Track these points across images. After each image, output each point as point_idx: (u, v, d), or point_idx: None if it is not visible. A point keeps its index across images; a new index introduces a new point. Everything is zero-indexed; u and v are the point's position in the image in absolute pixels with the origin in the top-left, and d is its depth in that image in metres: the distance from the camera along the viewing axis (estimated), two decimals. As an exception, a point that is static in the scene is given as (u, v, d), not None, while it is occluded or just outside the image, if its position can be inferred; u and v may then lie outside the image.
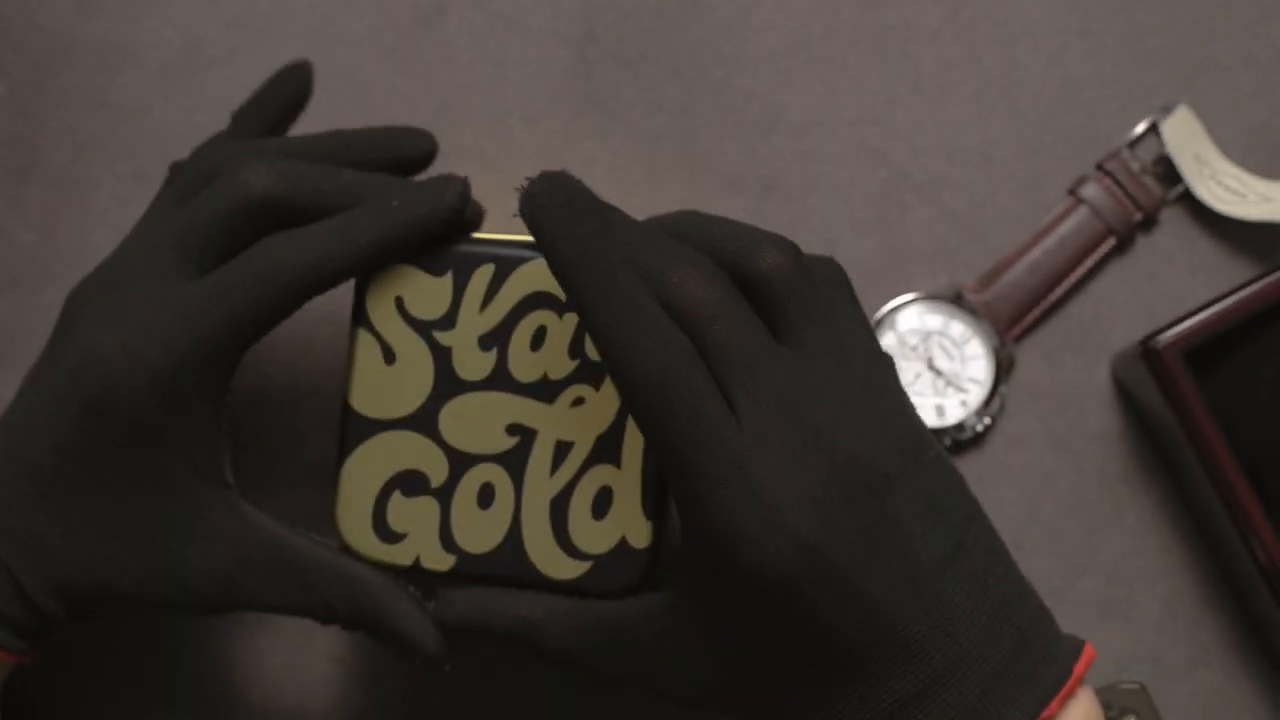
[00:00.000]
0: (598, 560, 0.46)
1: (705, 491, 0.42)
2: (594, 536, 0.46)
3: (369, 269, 0.47)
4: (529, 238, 0.48)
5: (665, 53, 0.60)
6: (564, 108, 0.60)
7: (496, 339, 0.47)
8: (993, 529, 0.46)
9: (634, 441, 0.46)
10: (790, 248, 0.45)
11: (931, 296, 0.58)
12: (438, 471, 0.47)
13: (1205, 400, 0.54)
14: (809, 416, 0.43)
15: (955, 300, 0.58)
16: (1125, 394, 0.58)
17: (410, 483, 0.47)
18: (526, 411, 0.47)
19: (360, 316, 0.48)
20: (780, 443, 0.42)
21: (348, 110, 0.60)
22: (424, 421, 0.47)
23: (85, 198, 0.59)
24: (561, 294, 0.47)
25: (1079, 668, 0.44)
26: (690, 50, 0.60)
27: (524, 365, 0.47)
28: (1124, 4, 0.60)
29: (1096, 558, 0.57)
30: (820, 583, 0.42)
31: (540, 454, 0.47)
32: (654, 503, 0.46)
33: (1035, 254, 0.58)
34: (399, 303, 0.48)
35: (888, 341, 0.58)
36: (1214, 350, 0.56)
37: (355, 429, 0.48)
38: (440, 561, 0.47)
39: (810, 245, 0.59)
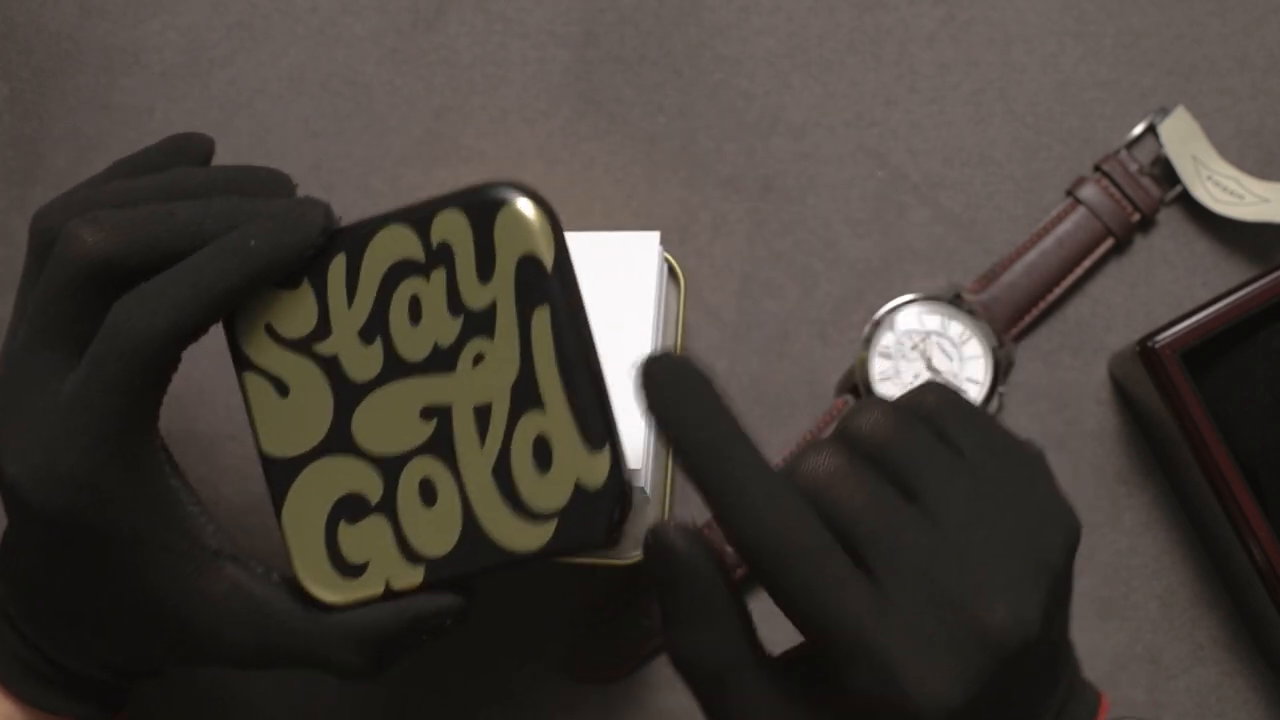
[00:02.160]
0: (561, 516, 0.42)
1: (844, 656, 0.40)
2: (548, 492, 0.43)
3: (233, 309, 0.44)
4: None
5: (665, 54, 0.60)
6: (564, 108, 0.60)
7: (375, 328, 0.44)
8: (1077, 662, 0.44)
9: (549, 377, 0.42)
10: (890, 410, 0.43)
11: (930, 297, 0.58)
12: (373, 486, 0.44)
13: (1202, 400, 0.54)
14: (951, 582, 0.40)
15: (954, 301, 0.58)
16: (1123, 394, 0.58)
17: (351, 508, 0.44)
18: (432, 390, 0.43)
19: (240, 360, 0.45)
20: (921, 610, 0.40)
21: (349, 111, 0.60)
22: (340, 440, 0.44)
23: (88, 198, 0.60)
24: (420, 256, 0.43)
25: None
26: (689, 52, 0.60)
27: (411, 343, 0.43)
28: (1119, 7, 0.60)
29: (1094, 557, 0.58)
30: None
31: (463, 428, 0.43)
32: (596, 432, 0.42)
33: (1033, 255, 0.59)
34: (269, 330, 0.44)
35: (886, 342, 0.58)
36: (1211, 350, 0.56)
37: (279, 475, 0.45)
38: (410, 577, 0.44)
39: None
